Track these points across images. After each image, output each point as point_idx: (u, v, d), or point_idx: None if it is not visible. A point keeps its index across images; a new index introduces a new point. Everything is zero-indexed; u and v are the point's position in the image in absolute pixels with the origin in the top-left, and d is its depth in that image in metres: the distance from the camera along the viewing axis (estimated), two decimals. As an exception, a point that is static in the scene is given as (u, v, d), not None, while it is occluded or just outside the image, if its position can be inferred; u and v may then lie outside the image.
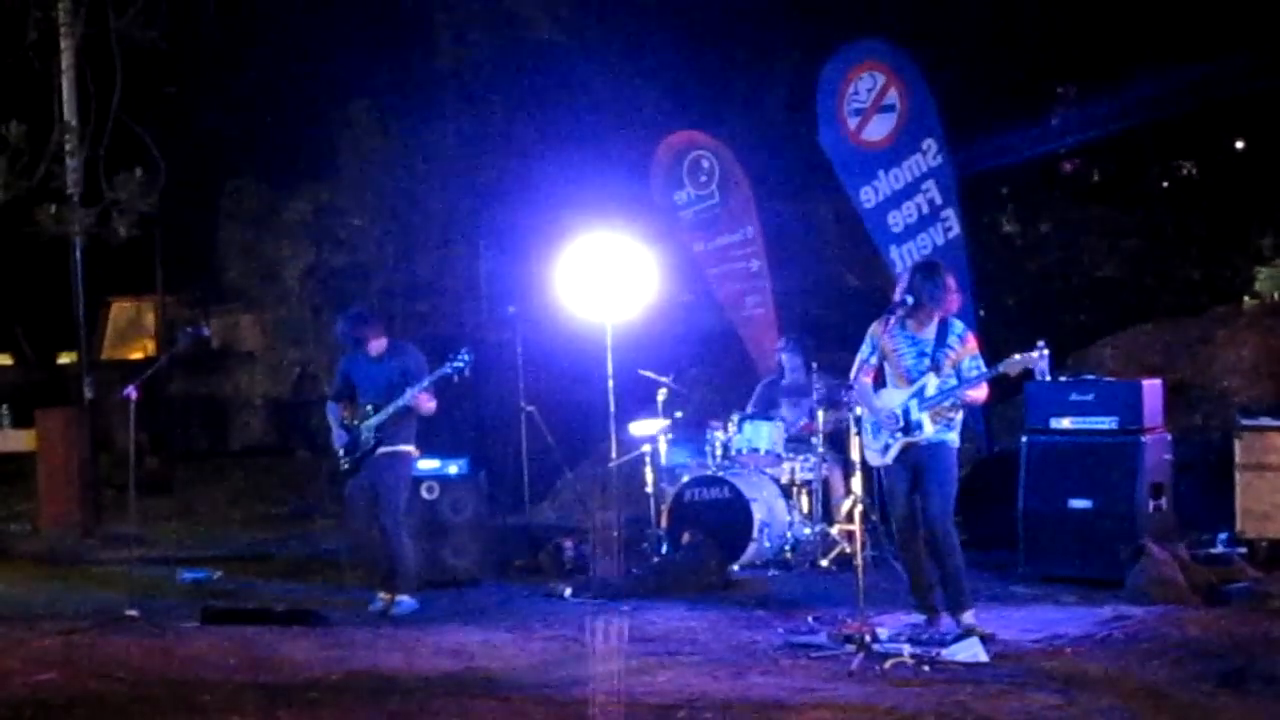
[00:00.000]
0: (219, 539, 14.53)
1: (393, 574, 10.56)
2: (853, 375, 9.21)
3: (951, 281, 9.17)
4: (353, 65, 17.08)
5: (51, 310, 18.16)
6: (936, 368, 8.97)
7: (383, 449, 10.58)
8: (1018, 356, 8.87)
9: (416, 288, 15.96)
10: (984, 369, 9.00)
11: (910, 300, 8.98)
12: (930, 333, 9.05)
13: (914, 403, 8.98)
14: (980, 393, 9.10)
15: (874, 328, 9.15)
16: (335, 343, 15.09)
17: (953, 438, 9.08)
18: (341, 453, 10.83)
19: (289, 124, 17.98)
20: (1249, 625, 8.92)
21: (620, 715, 7.30)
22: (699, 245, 15.10)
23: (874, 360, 9.15)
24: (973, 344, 9.05)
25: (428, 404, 10.59)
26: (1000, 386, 9.46)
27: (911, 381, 9.03)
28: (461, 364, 10.52)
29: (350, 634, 9.57)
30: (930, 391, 8.96)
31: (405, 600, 10.49)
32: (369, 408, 10.64)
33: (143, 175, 14.13)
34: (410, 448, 10.71)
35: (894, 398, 9.08)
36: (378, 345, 10.78)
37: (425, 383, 10.51)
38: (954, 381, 8.96)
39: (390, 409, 10.52)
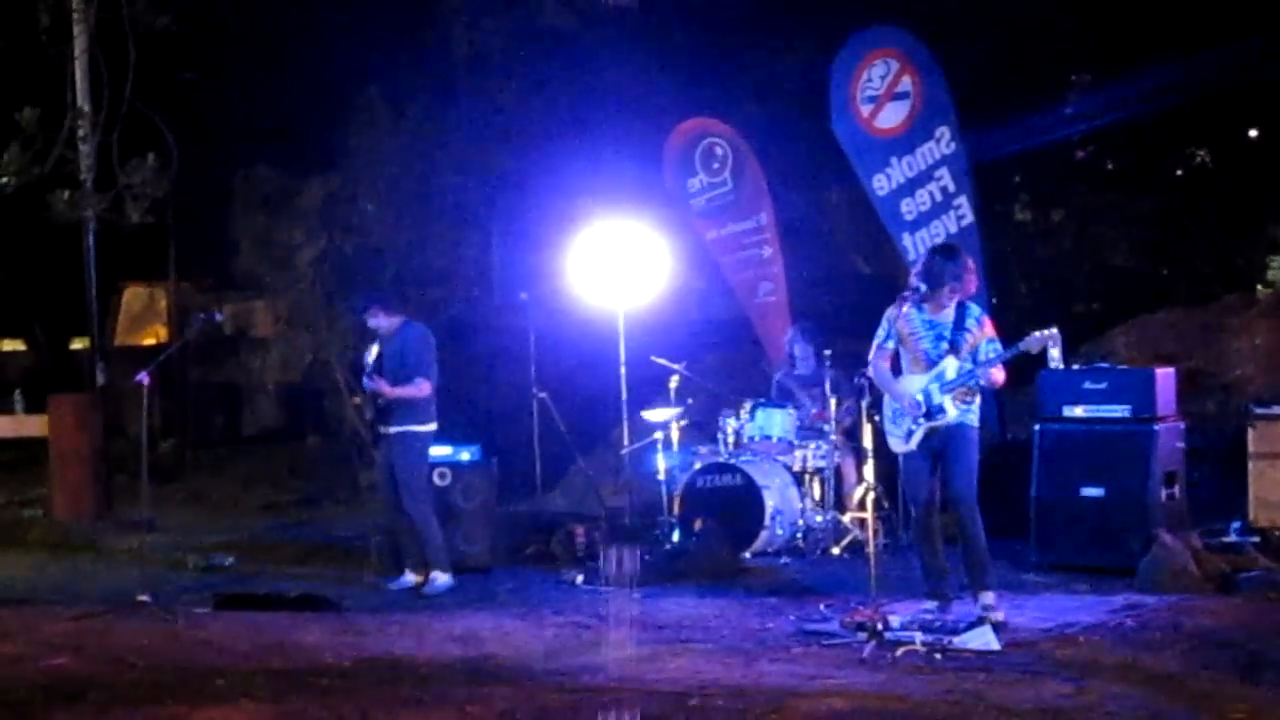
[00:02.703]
0: (231, 524, 14.55)
1: (424, 552, 10.68)
2: (870, 359, 9.24)
3: (970, 262, 9.17)
4: (366, 51, 17.07)
5: (64, 296, 18.18)
6: (955, 350, 8.95)
7: (393, 428, 10.70)
8: (1036, 334, 8.82)
9: (429, 274, 15.94)
10: (1002, 350, 8.99)
11: (925, 285, 8.98)
12: (948, 316, 9.03)
13: (935, 386, 8.96)
14: (999, 375, 9.08)
15: (890, 311, 9.15)
16: (348, 328, 15.22)
17: (972, 418, 9.06)
18: (364, 429, 11.11)
19: (302, 110, 17.97)
20: (1262, 614, 8.92)
21: (632, 702, 7.29)
22: (711, 232, 15.09)
23: (890, 345, 9.17)
24: (990, 327, 9.05)
25: (390, 389, 10.64)
26: (1014, 373, 9.44)
27: (930, 365, 9.01)
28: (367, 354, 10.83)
29: (362, 620, 9.58)
30: (950, 375, 8.94)
31: (441, 578, 10.59)
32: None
33: (156, 161, 14.15)
34: (421, 426, 10.77)
35: (913, 383, 9.06)
36: (388, 323, 10.84)
37: (367, 372, 10.76)
38: (970, 365, 8.95)
39: (374, 387, 10.72)
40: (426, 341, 10.84)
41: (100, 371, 14.96)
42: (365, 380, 10.67)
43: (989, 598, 8.98)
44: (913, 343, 9.09)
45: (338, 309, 15.55)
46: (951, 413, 8.94)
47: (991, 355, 8.97)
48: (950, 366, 8.96)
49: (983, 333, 9.00)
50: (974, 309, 9.11)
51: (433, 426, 10.83)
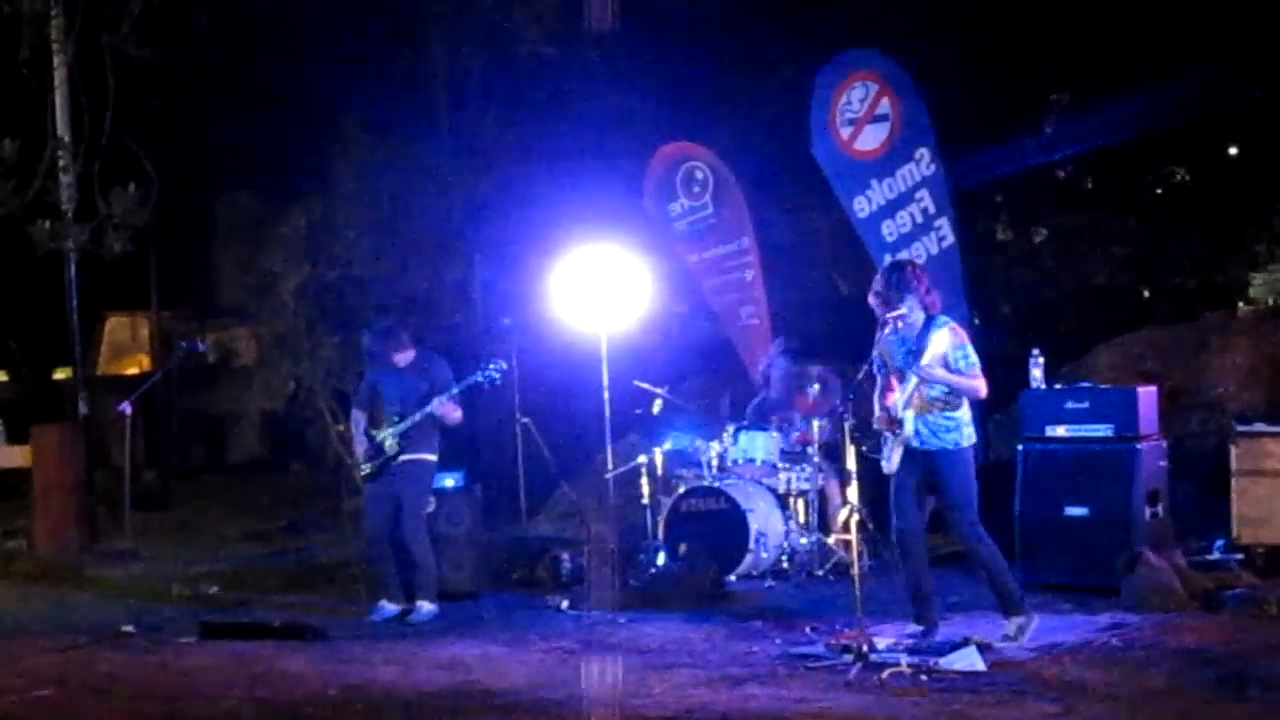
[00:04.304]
0: (215, 553, 14.50)
1: (413, 580, 10.68)
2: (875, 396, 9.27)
3: (919, 274, 9.13)
4: (346, 78, 17.06)
5: (46, 326, 18.12)
6: (917, 359, 8.90)
7: (405, 456, 10.69)
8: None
9: (412, 300, 15.92)
10: (972, 358, 8.94)
11: (901, 309, 8.98)
12: (915, 331, 9.03)
13: (900, 400, 8.96)
14: (974, 383, 9.03)
15: (878, 336, 9.15)
16: (331, 356, 15.19)
17: (955, 439, 8.98)
18: (363, 459, 10.90)
19: (282, 137, 17.95)
20: (1246, 631, 8.93)
21: (618, 727, 7.30)
22: (693, 256, 15.11)
23: (880, 372, 9.18)
24: (958, 334, 8.98)
25: (454, 414, 10.76)
26: (997, 393, 9.44)
27: (904, 382, 9.01)
28: (496, 374, 10.74)
29: (347, 648, 9.57)
30: (910, 386, 8.94)
31: (426, 607, 10.56)
32: (395, 416, 10.73)
33: (137, 190, 14.16)
34: (433, 455, 10.83)
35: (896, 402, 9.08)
36: (404, 357, 10.87)
37: (454, 391, 10.71)
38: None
39: (415, 417, 10.64)
40: (447, 368, 10.89)
41: (83, 402, 14.94)
42: (441, 402, 10.61)
43: (1012, 627, 8.91)
44: (891, 363, 9.12)
45: (320, 337, 15.53)
46: (909, 426, 8.91)
47: (961, 365, 8.95)
48: (913, 380, 8.95)
49: (944, 340, 8.92)
50: (940, 318, 9.07)
51: (436, 457, 10.87)
